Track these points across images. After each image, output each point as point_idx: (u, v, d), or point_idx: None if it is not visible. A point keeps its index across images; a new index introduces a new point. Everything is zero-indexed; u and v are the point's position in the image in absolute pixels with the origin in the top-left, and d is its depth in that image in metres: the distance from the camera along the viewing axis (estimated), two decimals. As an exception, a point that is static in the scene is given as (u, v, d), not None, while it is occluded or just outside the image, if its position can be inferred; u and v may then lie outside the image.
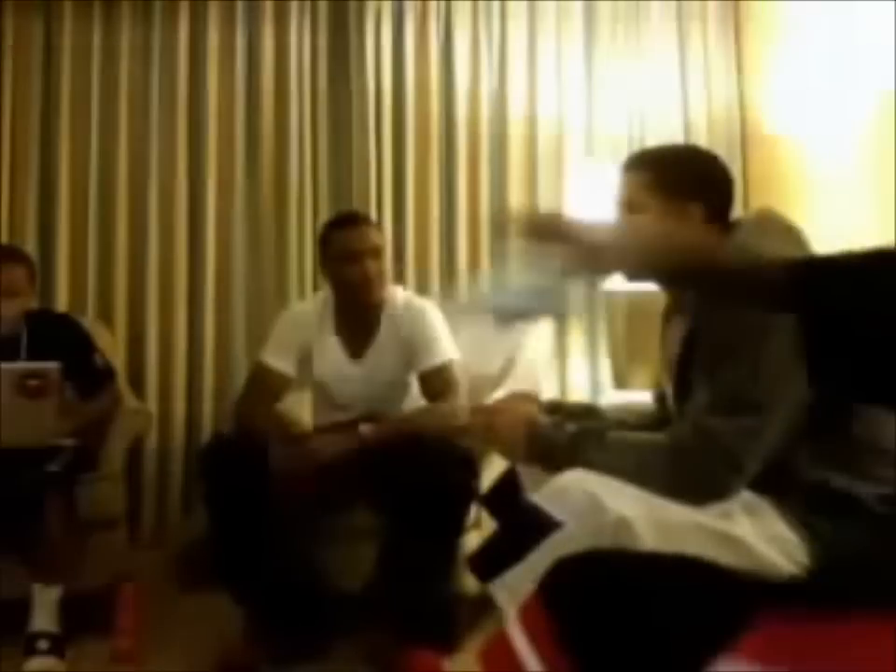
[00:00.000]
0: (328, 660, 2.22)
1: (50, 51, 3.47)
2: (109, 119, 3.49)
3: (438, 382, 2.51)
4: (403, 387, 2.63)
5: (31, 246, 3.33)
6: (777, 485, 1.37)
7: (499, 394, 2.19)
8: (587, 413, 1.86)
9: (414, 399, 2.62)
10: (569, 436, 1.55)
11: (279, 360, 2.58)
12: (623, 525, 1.26)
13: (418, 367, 2.55)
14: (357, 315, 2.60)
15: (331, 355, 2.62)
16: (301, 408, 2.83)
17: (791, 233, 1.50)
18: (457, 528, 2.25)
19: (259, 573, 2.23)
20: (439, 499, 2.16)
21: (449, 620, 2.15)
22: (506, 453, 1.71)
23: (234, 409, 2.66)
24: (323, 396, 2.68)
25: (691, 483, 1.36)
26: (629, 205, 1.64)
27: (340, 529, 2.40)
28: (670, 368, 1.61)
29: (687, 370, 1.50)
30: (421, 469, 2.16)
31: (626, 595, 1.04)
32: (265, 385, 2.58)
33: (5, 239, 3.38)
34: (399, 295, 2.65)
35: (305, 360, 2.62)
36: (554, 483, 1.39)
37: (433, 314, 2.60)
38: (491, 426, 1.70)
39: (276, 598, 2.25)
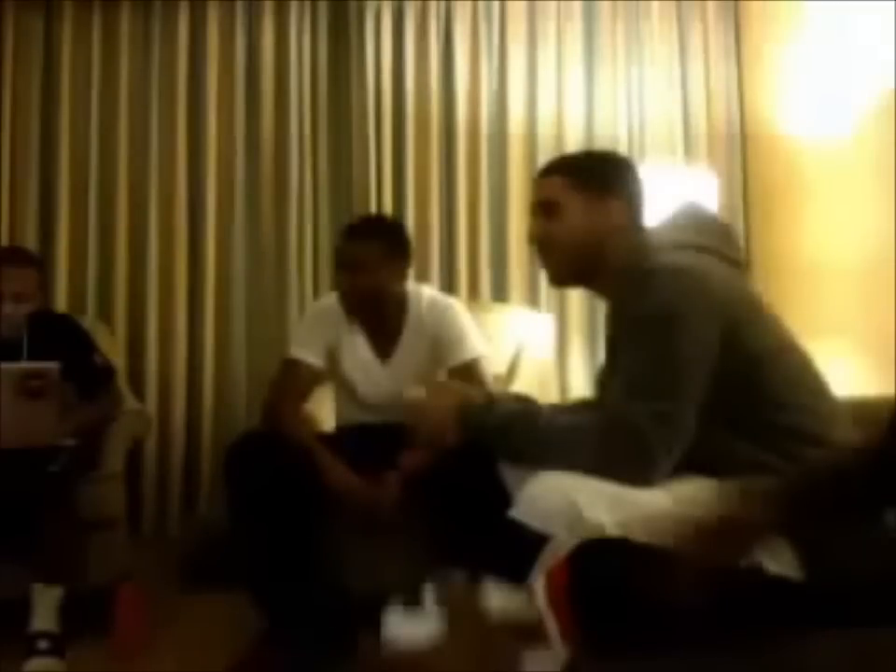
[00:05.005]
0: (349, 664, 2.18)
1: (50, 51, 3.48)
2: (109, 119, 3.49)
3: (466, 379, 2.46)
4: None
5: (31, 246, 3.31)
6: (714, 467, 1.42)
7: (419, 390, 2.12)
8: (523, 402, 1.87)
9: None
10: (501, 418, 1.56)
11: (308, 354, 2.51)
12: (597, 532, 1.30)
13: (446, 364, 2.52)
14: (378, 316, 2.56)
15: (359, 355, 2.56)
16: (323, 403, 2.80)
17: (712, 237, 1.58)
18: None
19: (283, 575, 2.18)
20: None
21: None
22: (437, 435, 1.67)
23: (264, 406, 2.57)
24: (349, 393, 2.62)
25: (612, 466, 1.42)
26: (546, 206, 1.65)
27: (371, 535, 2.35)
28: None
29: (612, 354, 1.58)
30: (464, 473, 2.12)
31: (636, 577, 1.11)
32: (296, 380, 2.51)
33: (5, 239, 3.38)
34: (424, 294, 2.60)
35: (331, 355, 2.57)
36: (530, 490, 1.42)
37: (459, 311, 2.57)
38: (422, 409, 1.69)
39: (301, 601, 2.19)
